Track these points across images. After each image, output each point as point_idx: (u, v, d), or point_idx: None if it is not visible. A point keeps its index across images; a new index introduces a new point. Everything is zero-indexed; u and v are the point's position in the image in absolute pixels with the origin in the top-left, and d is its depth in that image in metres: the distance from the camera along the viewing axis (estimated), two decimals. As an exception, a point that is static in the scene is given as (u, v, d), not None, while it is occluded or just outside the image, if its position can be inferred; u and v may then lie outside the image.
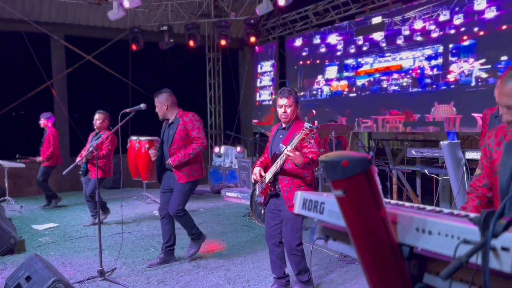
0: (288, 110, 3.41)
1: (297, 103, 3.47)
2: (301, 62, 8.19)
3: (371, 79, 5.17)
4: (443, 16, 4.17)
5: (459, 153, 3.27)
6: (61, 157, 7.46)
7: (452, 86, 4.21)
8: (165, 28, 9.23)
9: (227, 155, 9.35)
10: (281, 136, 3.51)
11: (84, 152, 6.06)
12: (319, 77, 6.70)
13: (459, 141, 3.48)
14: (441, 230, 1.22)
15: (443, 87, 4.29)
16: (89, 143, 6.13)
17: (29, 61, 8.88)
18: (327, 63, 6.85)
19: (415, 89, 4.59)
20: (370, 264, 1.40)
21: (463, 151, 3.32)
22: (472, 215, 1.28)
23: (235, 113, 11.09)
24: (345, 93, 5.44)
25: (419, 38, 4.51)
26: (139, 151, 7.16)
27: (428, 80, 4.42)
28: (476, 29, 3.96)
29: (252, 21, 9.01)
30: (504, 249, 1.03)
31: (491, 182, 1.77)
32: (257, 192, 3.71)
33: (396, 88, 4.81)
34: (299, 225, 3.45)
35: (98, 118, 6.11)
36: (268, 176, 3.48)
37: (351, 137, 7.68)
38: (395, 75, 4.84)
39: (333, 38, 7.49)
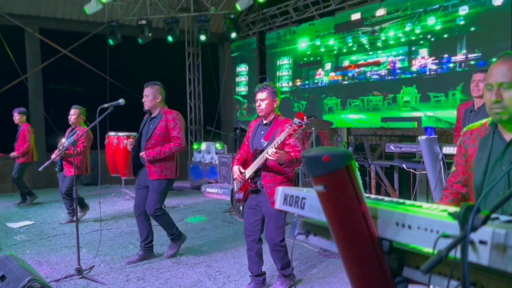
0: (263, 104, 3.39)
1: (274, 98, 3.42)
2: (304, 59, 8.30)
3: (360, 70, 7.05)
4: (408, 27, 6.14)
5: (436, 148, 3.33)
6: (36, 153, 7.29)
7: (414, 75, 6.14)
8: (143, 22, 9.09)
9: (207, 151, 9.30)
10: (262, 132, 3.49)
11: (58, 150, 5.92)
12: (319, 70, 7.83)
13: (436, 136, 3.54)
14: (421, 224, 1.23)
15: (408, 75, 6.22)
16: (66, 139, 6.00)
17: (2, 55, 8.63)
18: (325, 60, 7.73)
19: (389, 77, 6.49)
20: (350, 258, 1.41)
21: (440, 146, 3.38)
22: (451, 209, 1.30)
23: (215, 109, 11.03)
24: (340, 81, 7.36)
25: (391, 42, 6.40)
26: (117, 147, 7.06)
27: (398, 71, 6.35)
28: (429, 36, 5.90)
29: (232, 15, 8.95)
30: (482, 242, 1.05)
31: (465, 178, 1.80)
32: (235, 189, 3.68)
33: (376, 76, 6.72)
34: (282, 221, 3.45)
35: (73, 114, 5.98)
36: (249, 172, 3.45)
37: (328, 132, 7.74)
38: (376, 68, 6.71)
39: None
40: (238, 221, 5.98)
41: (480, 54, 5.24)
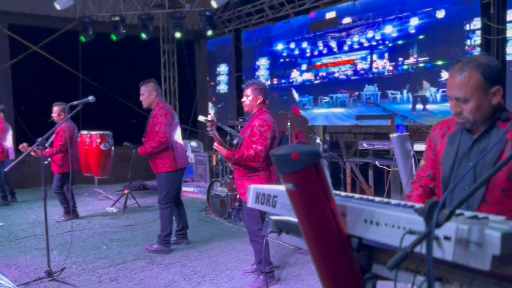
0: (246, 100, 3.57)
1: (258, 95, 3.54)
2: (280, 60, 8.49)
3: (328, 71, 7.61)
4: (369, 34, 6.79)
5: (407, 145, 3.38)
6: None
7: (375, 75, 6.73)
8: (117, 18, 8.91)
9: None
10: (240, 127, 3.65)
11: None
12: (294, 71, 8.24)
13: (407, 133, 3.60)
14: (388, 221, 1.24)
15: (370, 75, 6.80)
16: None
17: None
18: (299, 61, 8.13)
19: (354, 77, 7.07)
20: (320, 256, 1.41)
21: (411, 143, 3.44)
22: (417, 206, 1.31)
23: (191, 107, 10.94)
24: (312, 80, 7.88)
25: (356, 46, 7.03)
26: (90, 146, 6.92)
27: (362, 71, 6.94)
28: (387, 42, 6.52)
29: (207, 13, 8.88)
30: (446, 238, 1.06)
31: (434, 172, 1.83)
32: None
33: (343, 76, 7.28)
34: (256, 212, 3.49)
35: (54, 111, 5.83)
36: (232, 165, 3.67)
37: (305, 130, 7.77)
38: (343, 68, 7.28)
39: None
40: (214, 220, 5.95)
41: (428, 58, 5.98)
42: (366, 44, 6.86)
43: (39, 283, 3.69)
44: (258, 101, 3.56)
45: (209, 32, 9.03)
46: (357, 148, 6.22)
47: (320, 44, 7.63)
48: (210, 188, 6.09)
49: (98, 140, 6.87)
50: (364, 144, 4.65)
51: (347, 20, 7.12)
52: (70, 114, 3.85)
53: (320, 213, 1.36)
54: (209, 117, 3.56)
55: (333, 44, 7.39)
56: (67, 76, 9.65)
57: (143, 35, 8.97)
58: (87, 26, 8.74)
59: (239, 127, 3.68)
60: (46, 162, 5.71)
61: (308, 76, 7.95)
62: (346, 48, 7.19)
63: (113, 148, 7.18)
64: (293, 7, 8.27)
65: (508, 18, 5.17)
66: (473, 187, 1.05)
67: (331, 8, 7.38)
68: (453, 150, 1.71)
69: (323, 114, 7.72)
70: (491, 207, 1.60)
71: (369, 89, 6.82)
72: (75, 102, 3.88)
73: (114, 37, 9.02)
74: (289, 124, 5.75)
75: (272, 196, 1.72)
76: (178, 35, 8.98)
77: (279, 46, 8.48)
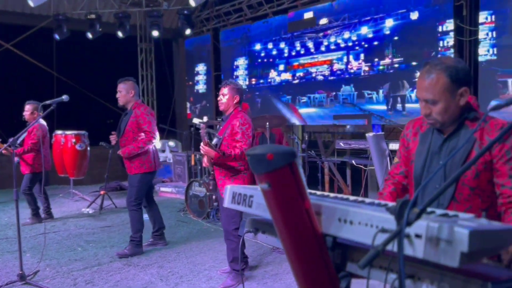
0: (223, 99, 3.56)
1: (235, 95, 3.55)
2: (259, 60, 8.49)
3: (305, 71, 7.67)
4: (345, 35, 6.90)
5: (383, 144, 3.44)
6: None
7: (352, 75, 6.83)
8: (93, 16, 8.75)
9: (162, 150, 9.11)
10: (220, 127, 3.63)
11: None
12: (272, 71, 8.29)
13: (383, 133, 3.66)
14: (362, 220, 1.26)
15: (347, 76, 6.91)
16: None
17: None
18: (277, 61, 8.16)
19: (331, 77, 7.17)
20: (295, 255, 1.41)
21: (386, 142, 3.49)
22: (389, 204, 1.33)
23: (169, 106, 10.84)
24: (290, 80, 7.94)
25: (333, 47, 7.13)
26: (65, 146, 6.78)
27: (338, 72, 7.05)
28: (363, 43, 6.63)
29: (185, 11, 8.81)
30: (417, 236, 1.08)
31: (407, 170, 1.87)
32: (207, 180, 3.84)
33: (321, 77, 7.36)
34: (233, 211, 3.48)
35: (26, 110, 5.68)
36: (210, 165, 3.59)
37: (284, 130, 7.81)
38: (320, 68, 7.36)
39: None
40: (192, 220, 5.91)
41: (402, 59, 6.13)
42: (342, 45, 6.95)
43: (11, 287, 3.59)
44: (235, 101, 3.56)
45: (188, 31, 8.97)
46: (334, 147, 6.28)
47: (298, 45, 7.68)
48: (189, 188, 6.05)
49: (74, 140, 6.74)
50: (341, 144, 4.71)
51: (323, 21, 7.20)
52: (43, 113, 3.76)
53: (295, 212, 1.36)
54: (205, 119, 3.58)
55: (310, 44, 7.46)
56: (41, 75, 9.43)
57: (120, 34, 8.83)
58: (61, 24, 8.56)
59: (218, 126, 3.67)
60: (16, 161, 5.57)
61: (286, 76, 7.99)
62: (323, 48, 7.26)
63: (89, 148, 7.06)
64: (271, 6, 8.29)
65: (480, 20, 5.29)
66: (442, 186, 1.07)
67: (309, 8, 7.43)
68: (425, 149, 1.75)
69: (303, 114, 7.76)
70: (460, 205, 1.64)
71: (346, 90, 6.91)
72: (48, 101, 3.79)
73: (90, 35, 8.85)
74: (267, 124, 5.79)
75: (248, 196, 1.72)
76: (155, 33, 8.88)
77: (257, 46, 8.49)
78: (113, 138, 4.46)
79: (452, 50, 5.51)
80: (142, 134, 4.31)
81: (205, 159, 3.65)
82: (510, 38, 4.98)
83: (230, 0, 9.12)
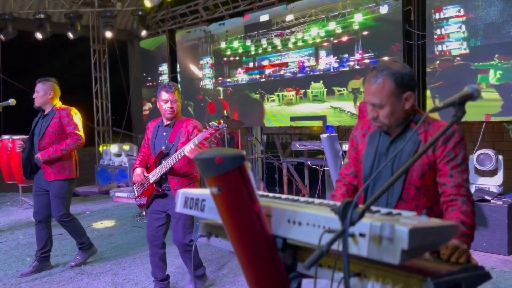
0: (175, 106, 3.28)
1: (181, 99, 3.36)
2: (225, 59, 8.35)
3: (274, 69, 7.58)
4: (313, 31, 6.81)
5: (336, 145, 3.51)
6: None
7: (321, 72, 6.78)
8: (41, 16, 8.40)
9: (118, 154, 8.88)
10: (164, 134, 3.36)
11: None
12: (239, 69, 8.12)
13: (336, 134, 3.74)
14: (309, 221, 1.28)
15: (316, 73, 6.85)
16: None
17: None
18: (244, 59, 8.02)
19: (300, 75, 7.08)
20: (246, 258, 1.42)
21: (340, 143, 3.58)
22: (337, 205, 1.36)
23: (125, 109, 10.58)
24: (257, 78, 7.82)
25: (300, 44, 7.02)
26: (12, 152, 6.45)
27: (307, 69, 6.96)
28: (331, 39, 6.58)
29: (140, 12, 8.64)
30: (362, 235, 1.11)
31: (357, 170, 1.92)
32: (136, 194, 3.53)
33: (289, 74, 7.26)
34: (189, 222, 3.40)
35: None
36: (153, 176, 3.33)
37: (242, 132, 7.82)
38: (288, 66, 7.26)
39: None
40: (149, 225, 5.79)
41: (373, 54, 6.10)
42: (310, 42, 6.83)
43: (-48, 303, 3.38)
44: (180, 106, 3.37)
45: (143, 33, 8.80)
46: (291, 148, 6.36)
47: (264, 42, 7.56)
48: (145, 192, 5.91)
49: (10, 145, 6.43)
50: (297, 145, 4.78)
51: (289, 17, 7.11)
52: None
53: (245, 215, 1.37)
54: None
55: (277, 42, 7.34)
56: (-14, 77, 8.94)
57: (70, 34, 8.53)
58: (7, 24, 8.16)
59: (164, 133, 3.44)
60: None
61: (254, 75, 7.84)
62: (290, 45, 7.15)
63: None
64: (227, 8, 8.28)
65: (452, 13, 5.27)
66: (384, 186, 1.11)
67: (265, 11, 7.48)
68: (373, 150, 1.81)
69: (270, 112, 7.65)
70: (408, 204, 1.71)
71: (315, 87, 6.84)
72: (-7, 105, 3.59)
73: (39, 36, 8.49)
74: (226, 127, 5.76)
75: (201, 200, 1.71)
76: (109, 34, 8.65)
77: (222, 45, 8.32)
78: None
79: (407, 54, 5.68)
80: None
81: (139, 173, 3.36)
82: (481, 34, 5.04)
83: (186, 1, 9.02)
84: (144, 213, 6.01)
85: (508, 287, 3.47)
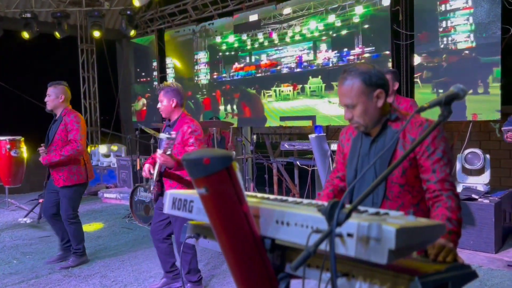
0: (161, 106, 3.39)
1: (171, 98, 3.35)
2: (220, 54, 8.12)
3: (270, 64, 7.43)
4: (312, 24, 6.67)
5: (325, 145, 3.52)
6: None
7: (319, 67, 6.64)
8: (28, 15, 8.30)
9: (107, 154, 8.80)
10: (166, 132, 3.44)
11: None
12: (236, 64, 7.91)
13: (324, 134, 3.75)
14: (298, 221, 1.27)
15: (314, 68, 6.71)
16: None
17: None
18: (240, 54, 7.81)
19: (298, 70, 6.92)
20: (234, 258, 1.41)
21: (328, 143, 3.59)
22: (323, 205, 1.36)
23: (113, 109, 10.49)
24: (254, 73, 7.62)
25: (298, 38, 6.87)
26: (-2, 153, 6.37)
27: (305, 64, 6.82)
28: (330, 32, 6.43)
29: (128, 12, 8.57)
30: (349, 235, 1.11)
31: (343, 174, 1.93)
32: (151, 188, 3.60)
33: (286, 69, 7.10)
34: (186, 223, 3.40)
35: None
36: (155, 174, 3.40)
37: (232, 132, 7.81)
38: (285, 60, 7.11)
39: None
40: (138, 226, 5.75)
41: (374, 48, 5.98)
42: (308, 36, 6.65)
43: None
44: (173, 104, 3.36)
45: (132, 32, 8.74)
46: (280, 149, 6.37)
47: (261, 36, 7.38)
48: (134, 193, 5.88)
49: (8, 146, 6.35)
50: (286, 145, 4.78)
51: (287, 10, 6.95)
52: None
53: (233, 216, 1.36)
54: (173, 135, 3.23)
55: (274, 35, 7.17)
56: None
57: (57, 34, 8.44)
58: (-7, 23, 8.05)
59: (162, 133, 3.46)
60: None
61: (250, 69, 7.64)
62: (288, 40, 6.97)
63: (25, 154, 6.68)
64: (216, 8, 8.26)
65: (459, 5, 5.17)
66: (370, 187, 1.11)
67: (254, 11, 7.47)
68: (356, 152, 1.84)
69: (269, 107, 7.43)
70: (393, 202, 1.72)
71: (314, 82, 6.65)
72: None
73: (27, 35, 8.38)
74: (214, 128, 5.78)
75: (189, 201, 1.70)
76: (97, 34, 8.58)
77: (218, 39, 8.14)
78: (41, 150, 4.11)
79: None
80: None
81: (145, 169, 3.43)
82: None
83: (175, 1, 8.97)
84: (132, 214, 5.97)
85: (495, 285, 3.51)
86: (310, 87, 6.75)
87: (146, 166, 3.47)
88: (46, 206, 4.26)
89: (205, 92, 8.56)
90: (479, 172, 4.73)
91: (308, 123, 6.84)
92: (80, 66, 9.93)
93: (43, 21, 9.03)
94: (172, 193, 1.79)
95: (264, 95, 7.48)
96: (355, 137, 1.88)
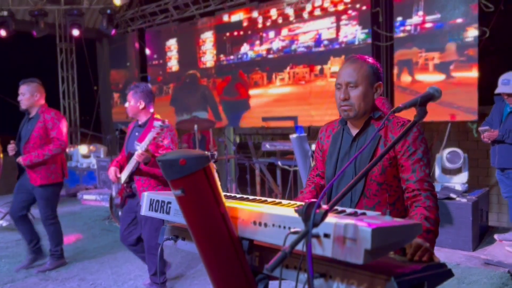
0: (129, 106, 3.34)
1: (139, 100, 3.31)
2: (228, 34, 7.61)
3: (285, 43, 6.79)
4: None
5: (306, 146, 3.53)
6: None
7: (342, 45, 6.05)
8: (4, 13, 8.10)
9: (87, 155, 8.65)
10: (137, 134, 3.38)
11: None
12: (244, 44, 7.37)
13: (305, 134, 3.76)
14: (275, 222, 1.27)
15: (336, 46, 6.11)
16: None
17: None
18: (249, 34, 7.30)
19: (316, 49, 6.30)
20: (211, 260, 1.39)
21: (309, 143, 3.60)
22: (299, 206, 1.35)
23: (93, 109, 10.33)
24: (264, 54, 7.03)
25: (318, 13, 6.29)
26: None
27: (326, 42, 6.21)
28: (357, 5, 5.89)
29: (108, 11, 8.45)
30: (326, 235, 1.11)
31: (323, 172, 1.93)
32: (113, 193, 3.52)
33: (303, 49, 6.49)
34: (157, 224, 3.35)
35: None
36: (123, 176, 3.33)
37: (214, 132, 7.77)
38: (302, 39, 6.50)
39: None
40: (118, 228, 5.65)
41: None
42: (331, 10, 5.98)
43: None
44: (141, 106, 3.31)
45: (112, 31, 8.62)
46: (261, 149, 6.36)
47: (274, 13, 6.70)
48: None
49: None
50: (267, 145, 4.78)
51: None
52: None
53: (210, 217, 1.34)
54: (166, 122, 3.15)
55: (289, 12, 6.48)
56: None
57: (35, 33, 8.26)
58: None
59: (136, 134, 3.41)
60: None
61: (260, 50, 7.04)
62: (305, 16, 6.30)
63: (1, 155, 6.51)
64: (198, 8, 8.21)
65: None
66: (348, 185, 1.10)
67: (235, 10, 7.44)
68: (336, 149, 1.84)
69: (277, 95, 6.84)
70: (370, 200, 1.72)
71: (336, 62, 5.99)
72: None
73: (3, 33, 8.18)
74: (196, 126, 5.74)
75: (166, 202, 1.68)
76: (76, 33, 8.44)
77: (225, 19, 7.61)
78: (11, 148, 3.97)
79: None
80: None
81: (112, 172, 3.34)
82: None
83: (156, 0, 8.89)
84: (112, 216, 5.88)
85: (473, 282, 3.57)
86: (330, 68, 6.04)
87: (112, 169, 3.38)
88: (15, 207, 4.07)
89: (212, 76, 8.05)
90: (457, 171, 4.81)
91: (289, 123, 6.85)
92: (59, 65, 9.75)
93: (20, 19, 8.83)
94: (149, 194, 1.76)
95: (275, 77, 6.79)
96: (335, 133, 1.88)
